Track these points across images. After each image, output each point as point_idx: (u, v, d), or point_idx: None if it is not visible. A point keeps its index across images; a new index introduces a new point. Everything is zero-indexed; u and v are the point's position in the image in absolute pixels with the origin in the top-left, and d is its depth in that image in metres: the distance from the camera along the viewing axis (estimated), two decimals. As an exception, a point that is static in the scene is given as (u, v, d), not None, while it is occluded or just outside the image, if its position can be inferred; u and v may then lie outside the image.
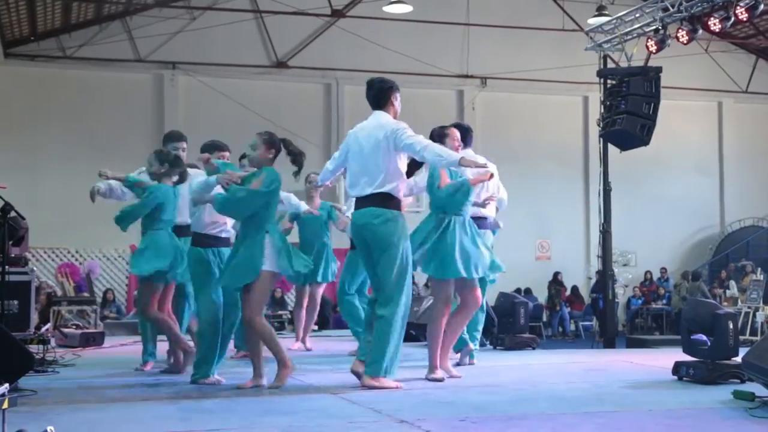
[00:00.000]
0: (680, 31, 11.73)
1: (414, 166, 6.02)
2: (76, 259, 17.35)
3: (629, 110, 11.68)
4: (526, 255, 19.86)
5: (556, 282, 19.82)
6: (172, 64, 18.65)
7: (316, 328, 10.90)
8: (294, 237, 8.02)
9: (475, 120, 19.58)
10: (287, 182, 5.95)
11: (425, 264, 6.19)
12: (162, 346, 7.15)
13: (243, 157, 6.88)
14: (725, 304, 15.87)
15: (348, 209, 7.51)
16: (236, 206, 5.63)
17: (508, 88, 20.19)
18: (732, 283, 18.23)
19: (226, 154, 6.38)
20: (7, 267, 6.68)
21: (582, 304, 19.94)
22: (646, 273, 20.73)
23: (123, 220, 6.44)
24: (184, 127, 17.55)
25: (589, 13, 17.44)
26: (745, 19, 11.23)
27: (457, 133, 6.43)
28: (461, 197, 6.16)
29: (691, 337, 6.31)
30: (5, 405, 3.89)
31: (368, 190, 5.69)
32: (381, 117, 5.83)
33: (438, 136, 6.33)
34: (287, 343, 7.78)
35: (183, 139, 7.12)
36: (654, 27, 12.15)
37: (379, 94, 5.87)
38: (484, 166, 5.89)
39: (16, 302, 7.50)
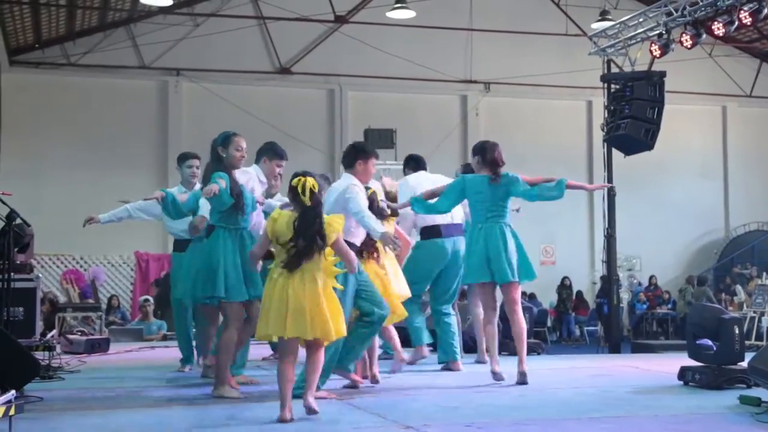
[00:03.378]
0: (684, 35, 11.70)
1: None
2: (81, 266, 17.37)
3: (633, 115, 11.65)
4: (531, 260, 19.73)
5: (564, 287, 19.77)
6: (176, 70, 18.69)
7: None
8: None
9: (479, 125, 19.62)
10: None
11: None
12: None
13: None
14: (731, 309, 15.83)
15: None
16: None
17: (512, 93, 20.19)
18: (739, 288, 18.18)
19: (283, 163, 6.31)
20: (12, 274, 6.69)
21: (587, 309, 19.89)
22: (650, 278, 20.63)
23: None
24: (187, 133, 17.80)
25: (592, 18, 17.43)
26: (749, 23, 11.22)
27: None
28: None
29: (697, 342, 6.30)
30: (12, 411, 3.90)
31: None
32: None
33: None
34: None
35: (196, 157, 7.51)
36: (658, 31, 12.13)
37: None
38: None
39: (21, 309, 7.48)
